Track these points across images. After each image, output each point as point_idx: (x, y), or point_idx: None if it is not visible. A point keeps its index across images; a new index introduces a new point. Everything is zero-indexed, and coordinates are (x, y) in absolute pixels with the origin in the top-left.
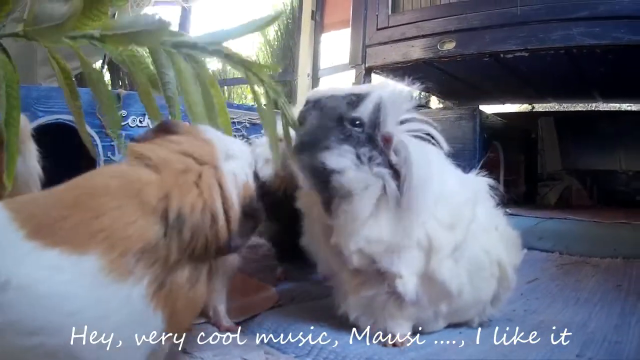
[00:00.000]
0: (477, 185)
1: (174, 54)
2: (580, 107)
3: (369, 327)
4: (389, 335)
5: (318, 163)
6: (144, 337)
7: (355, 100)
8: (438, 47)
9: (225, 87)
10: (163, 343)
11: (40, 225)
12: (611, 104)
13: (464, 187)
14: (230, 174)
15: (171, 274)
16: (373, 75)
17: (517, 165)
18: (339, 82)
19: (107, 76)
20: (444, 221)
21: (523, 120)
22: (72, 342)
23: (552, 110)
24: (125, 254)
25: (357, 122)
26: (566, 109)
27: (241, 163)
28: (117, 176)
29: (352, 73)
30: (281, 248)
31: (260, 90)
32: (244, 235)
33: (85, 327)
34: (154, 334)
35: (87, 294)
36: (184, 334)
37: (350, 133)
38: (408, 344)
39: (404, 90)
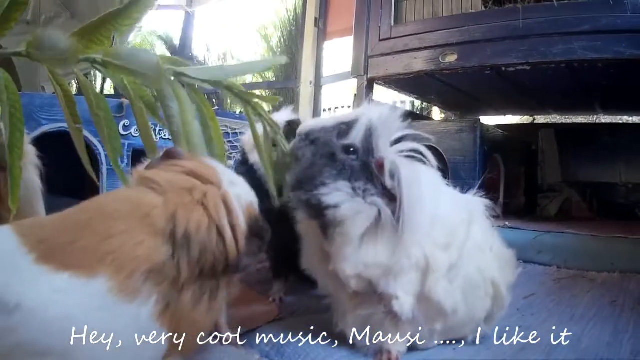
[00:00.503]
0: (473, 205)
1: (175, 83)
2: (581, 119)
3: (366, 344)
4: (385, 353)
5: (314, 200)
6: (151, 354)
7: (346, 128)
8: (440, 59)
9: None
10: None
11: (49, 249)
12: (612, 116)
13: (459, 207)
14: (235, 194)
15: (180, 294)
16: (375, 86)
17: (517, 177)
18: (342, 90)
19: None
20: (439, 242)
21: (524, 132)
22: None
23: (552, 122)
24: (133, 275)
25: (352, 150)
26: (567, 121)
27: (243, 188)
28: (125, 200)
29: (354, 82)
30: (277, 262)
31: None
32: (251, 254)
33: (95, 346)
34: (159, 352)
35: (96, 316)
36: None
37: (344, 165)
38: None
39: (393, 110)
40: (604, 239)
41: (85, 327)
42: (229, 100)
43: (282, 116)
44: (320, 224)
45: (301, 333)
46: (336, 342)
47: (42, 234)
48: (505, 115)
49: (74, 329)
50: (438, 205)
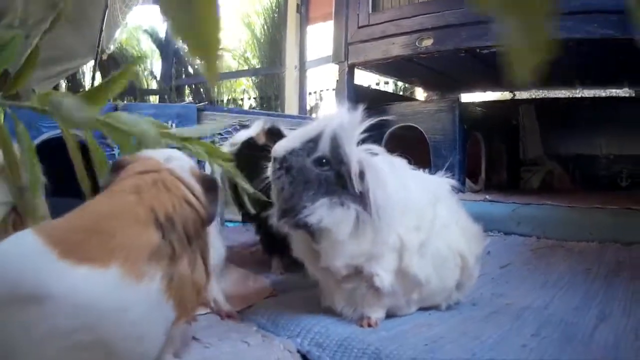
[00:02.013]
0: (438, 186)
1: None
2: (562, 93)
3: (350, 313)
4: (365, 318)
5: (301, 222)
6: (161, 325)
7: (313, 145)
8: (417, 44)
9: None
10: (174, 327)
11: (68, 247)
12: (593, 91)
13: (425, 190)
14: (178, 167)
15: (176, 265)
16: (356, 71)
17: (499, 153)
18: (327, 73)
19: (98, 76)
20: (410, 224)
21: (504, 108)
22: (104, 336)
23: (533, 97)
24: (138, 261)
25: (323, 161)
26: (547, 96)
27: (180, 158)
28: (117, 204)
29: (336, 66)
30: (270, 242)
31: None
32: (212, 203)
33: (115, 322)
34: (169, 321)
35: (114, 297)
36: (192, 317)
37: (319, 182)
38: (379, 325)
39: (352, 114)
40: (583, 209)
41: (106, 306)
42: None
43: (248, 133)
44: (309, 233)
45: (292, 307)
46: (323, 314)
47: (59, 234)
48: (485, 92)
49: (98, 308)
50: (406, 193)
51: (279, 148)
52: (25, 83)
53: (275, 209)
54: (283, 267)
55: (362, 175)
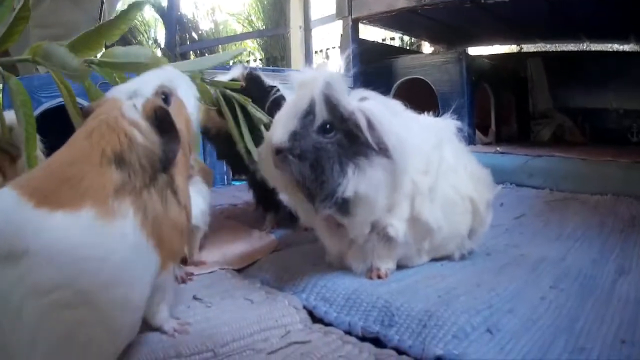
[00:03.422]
0: (443, 129)
1: None
2: (570, 47)
3: (359, 266)
4: (375, 270)
5: (339, 201)
6: (144, 267)
7: (311, 117)
8: None
9: (220, 46)
10: (161, 273)
11: (43, 195)
12: (600, 45)
13: (428, 133)
14: (130, 106)
15: (147, 201)
16: (360, 26)
17: (508, 105)
18: (332, 31)
19: None
20: (419, 168)
21: (512, 61)
22: (84, 287)
23: (540, 50)
24: (106, 199)
25: (327, 126)
26: (555, 49)
27: (139, 91)
28: (79, 149)
29: (341, 23)
30: (263, 197)
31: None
32: (169, 140)
33: (94, 268)
34: (153, 265)
35: (91, 240)
36: (177, 261)
37: (334, 149)
38: (389, 277)
39: (332, 73)
40: (595, 162)
41: (86, 253)
42: (221, 51)
43: (227, 76)
44: (340, 210)
45: (297, 261)
46: (329, 267)
47: (34, 186)
48: (492, 45)
49: (77, 257)
50: (412, 135)
51: (279, 137)
52: (16, 38)
53: (310, 200)
54: (276, 223)
55: (370, 124)
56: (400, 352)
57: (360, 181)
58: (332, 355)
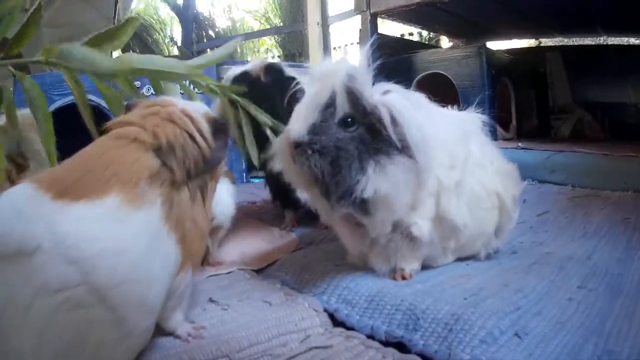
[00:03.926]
0: (468, 122)
1: None
2: (588, 41)
3: (382, 267)
4: (399, 271)
5: (358, 201)
6: (164, 262)
7: (332, 109)
8: None
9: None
10: (179, 275)
11: (62, 187)
12: (618, 38)
13: (454, 127)
14: (189, 106)
15: (177, 196)
16: (379, 22)
17: (528, 100)
18: (350, 28)
19: None
20: (444, 163)
21: (531, 56)
22: (98, 283)
23: (558, 45)
24: (138, 184)
25: (349, 120)
26: (573, 43)
27: (196, 105)
28: (113, 138)
29: (359, 19)
30: (280, 195)
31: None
32: (220, 147)
33: (111, 263)
34: (172, 263)
35: (112, 230)
36: (197, 266)
37: (355, 145)
38: (413, 278)
39: (354, 65)
40: (616, 158)
41: (103, 246)
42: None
43: (243, 67)
44: (359, 209)
45: (318, 261)
46: (351, 267)
47: (53, 178)
48: (511, 40)
49: (93, 252)
50: (436, 129)
51: (297, 131)
52: (26, 42)
53: (329, 197)
54: (296, 221)
55: (393, 119)
56: (425, 357)
57: (381, 180)
58: None
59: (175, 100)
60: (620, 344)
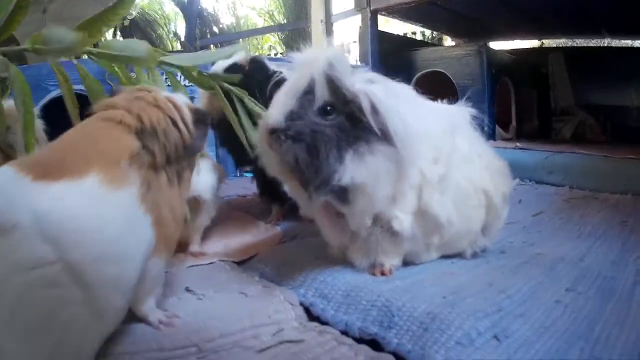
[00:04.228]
0: (457, 117)
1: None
2: (592, 43)
3: (362, 262)
4: (378, 266)
5: (336, 188)
6: (139, 242)
7: (310, 96)
8: None
9: (241, 40)
10: (152, 259)
11: (44, 169)
12: (621, 41)
13: (441, 120)
14: (174, 95)
15: (155, 178)
16: (379, 17)
17: (529, 101)
18: (353, 26)
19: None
20: (428, 156)
21: (533, 56)
22: (73, 259)
23: (561, 46)
24: (119, 163)
25: (328, 108)
26: (576, 45)
27: (181, 97)
28: (97, 120)
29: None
30: (267, 189)
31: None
32: (200, 136)
33: (87, 240)
34: (146, 243)
35: (88, 210)
36: (171, 252)
37: (334, 133)
38: (393, 274)
39: (336, 52)
40: (616, 160)
41: (80, 224)
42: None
43: (230, 60)
44: (337, 198)
45: (298, 255)
46: (331, 261)
47: (35, 160)
48: (513, 40)
49: (70, 229)
50: (421, 121)
51: (274, 117)
52: (14, 28)
53: (305, 184)
54: (282, 214)
55: (374, 108)
56: (398, 357)
57: (359, 168)
58: (325, 357)
59: (158, 89)
60: (609, 351)
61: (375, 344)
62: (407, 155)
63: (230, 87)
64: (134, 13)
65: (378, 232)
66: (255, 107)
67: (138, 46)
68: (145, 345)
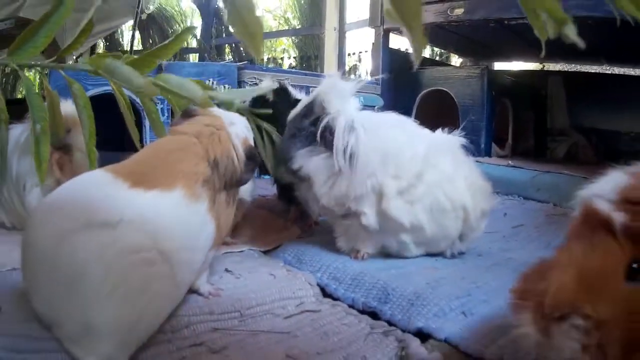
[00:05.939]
0: (445, 144)
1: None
2: (593, 69)
3: (346, 247)
4: (354, 251)
5: (289, 170)
6: (207, 240)
7: (311, 106)
8: (448, 12)
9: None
10: (211, 250)
11: (138, 178)
12: (621, 68)
13: (416, 146)
14: (234, 133)
15: (217, 196)
16: (391, 36)
17: (526, 121)
18: (365, 36)
19: (137, 35)
20: (390, 172)
21: (533, 78)
22: (165, 248)
23: (561, 70)
24: (197, 184)
25: (313, 119)
26: (575, 70)
27: (240, 127)
28: (177, 142)
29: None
30: (286, 193)
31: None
32: (248, 171)
33: (175, 235)
34: (210, 240)
35: (178, 214)
36: (220, 247)
37: (306, 136)
38: (365, 258)
39: (338, 78)
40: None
41: (170, 223)
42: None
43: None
44: (298, 181)
45: (315, 247)
46: (341, 253)
47: (128, 169)
48: (516, 62)
49: (162, 226)
50: (393, 144)
51: (291, 114)
52: (76, 48)
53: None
54: (298, 215)
55: (350, 129)
56: (390, 324)
57: (305, 163)
58: (337, 322)
59: (225, 117)
60: None
61: (374, 315)
62: (358, 169)
63: (260, 122)
64: (152, 8)
65: (356, 224)
66: (273, 133)
67: (193, 88)
68: (199, 310)
